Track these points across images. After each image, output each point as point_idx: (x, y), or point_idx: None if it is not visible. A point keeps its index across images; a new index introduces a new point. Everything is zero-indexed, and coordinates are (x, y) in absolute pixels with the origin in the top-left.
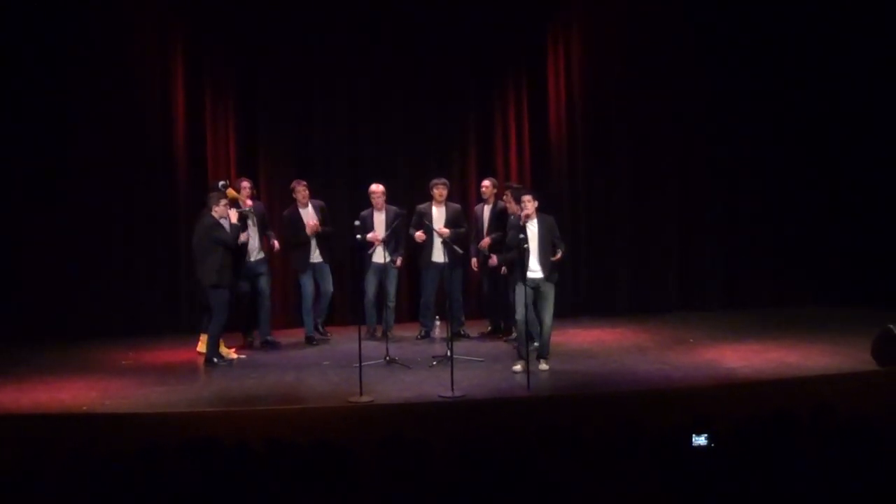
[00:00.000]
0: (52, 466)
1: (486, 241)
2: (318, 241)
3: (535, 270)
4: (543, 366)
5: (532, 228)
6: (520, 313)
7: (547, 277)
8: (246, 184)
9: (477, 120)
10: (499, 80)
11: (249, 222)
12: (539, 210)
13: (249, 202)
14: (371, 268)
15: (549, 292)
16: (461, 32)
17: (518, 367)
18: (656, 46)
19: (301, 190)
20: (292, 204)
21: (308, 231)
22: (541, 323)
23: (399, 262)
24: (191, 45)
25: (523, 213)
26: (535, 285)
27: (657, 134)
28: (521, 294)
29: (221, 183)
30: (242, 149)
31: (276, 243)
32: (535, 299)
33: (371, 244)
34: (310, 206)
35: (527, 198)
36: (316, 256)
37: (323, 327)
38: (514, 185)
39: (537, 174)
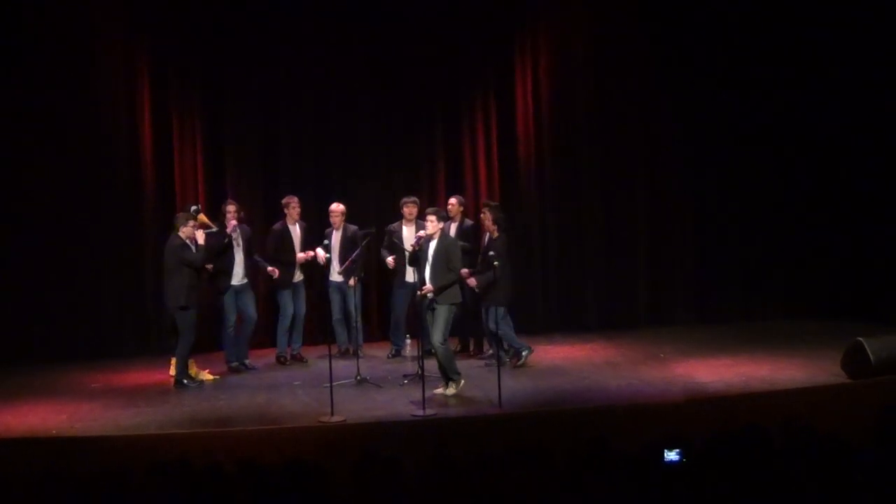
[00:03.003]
0: (20, 491)
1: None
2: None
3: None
4: (451, 389)
5: (430, 248)
6: (430, 334)
7: (438, 299)
8: (231, 207)
9: (445, 136)
10: (467, 95)
11: (235, 244)
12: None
13: (234, 222)
14: (331, 287)
15: (440, 313)
16: (428, 47)
17: (439, 390)
18: (625, 59)
19: (294, 206)
20: (282, 219)
21: (299, 259)
22: (432, 345)
23: (353, 281)
24: (156, 63)
25: (424, 231)
26: (432, 307)
27: (626, 148)
28: (428, 317)
29: (193, 208)
30: (210, 168)
31: (276, 270)
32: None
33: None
34: (298, 224)
35: (430, 218)
36: (298, 276)
37: (299, 352)
38: (492, 203)
39: (506, 189)
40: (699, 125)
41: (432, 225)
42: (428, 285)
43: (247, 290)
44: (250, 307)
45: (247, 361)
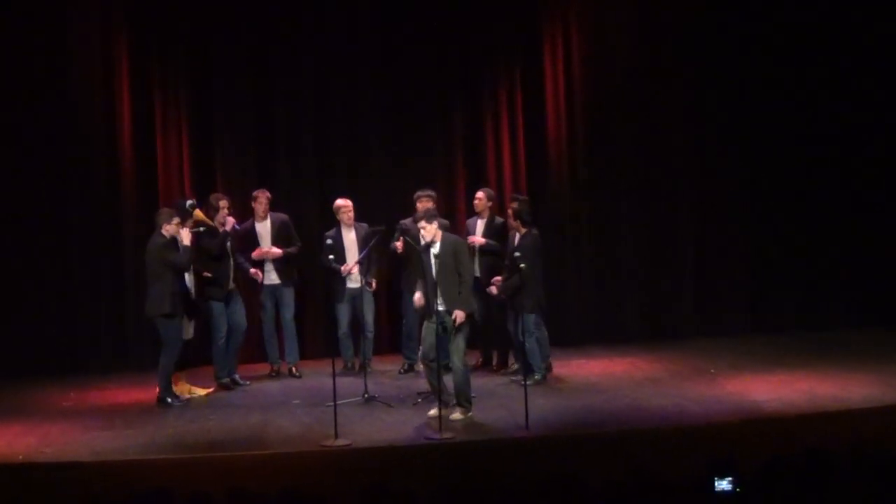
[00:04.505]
0: None
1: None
2: (275, 262)
3: (437, 302)
4: (456, 415)
5: (432, 256)
6: (424, 347)
7: (451, 310)
8: (224, 203)
9: (464, 121)
10: (489, 74)
11: (228, 243)
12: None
13: (232, 220)
14: (345, 294)
15: (458, 329)
16: (446, 24)
17: (433, 412)
18: (667, 38)
19: (263, 201)
20: (251, 216)
21: (254, 255)
22: (449, 364)
23: (374, 284)
24: (136, 42)
25: (423, 237)
26: (441, 320)
27: (670, 139)
28: (427, 330)
29: (189, 202)
30: (197, 158)
31: (259, 273)
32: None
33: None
34: (269, 220)
35: (422, 225)
36: (272, 278)
37: (296, 367)
38: (521, 198)
39: (534, 184)
40: (755, 113)
41: (426, 231)
42: (458, 312)
43: (235, 296)
44: (239, 315)
45: (236, 376)
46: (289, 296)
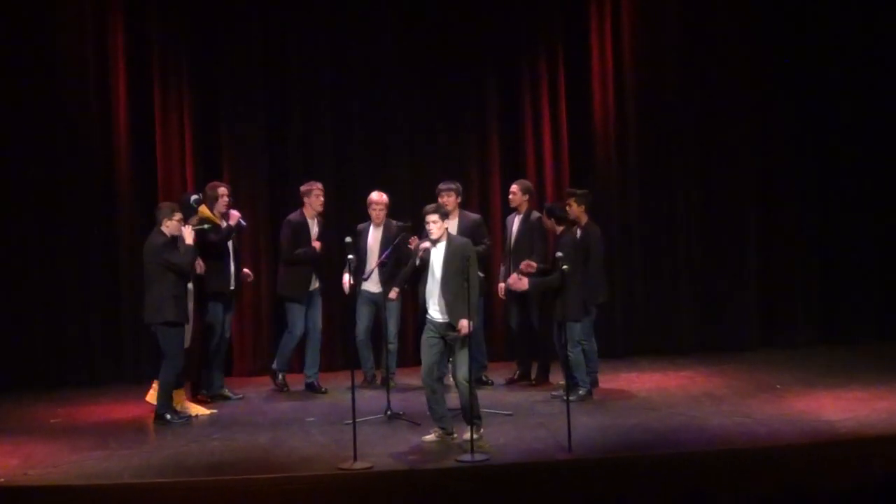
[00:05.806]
0: None
1: (515, 278)
2: (317, 265)
3: (435, 314)
4: (481, 438)
5: (437, 256)
6: (424, 366)
7: (454, 323)
8: (224, 190)
9: (500, 103)
10: (528, 50)
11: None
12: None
13: (236, 213)
14: (363, 298)
15: (462, 340)
16: None
17: (430, 437)
18: (731, 13)
19: (317, 195)
20: (298, 209)
21: (319, 248)
22: (455, 382)
23: (394, 293)
24: (134, 16)
25: (428, 241)
26: (442, 333)
27: (732, 125)
28: (425, 346)
29: (194, 198)
30: (201, 147)
31: (250, 273)
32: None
33: (361, 269)
34: (315, 219)
35: (432, 218)
36: (315, 283)
37: (315, 379)
38: (578, 192)
39: (578, 175)
40: (828, 108)
41: (437, 227)
42: (463, 322)
43: (231, 302)
44: (228, 321)
45: (225, 390)
46: (320, 302)
